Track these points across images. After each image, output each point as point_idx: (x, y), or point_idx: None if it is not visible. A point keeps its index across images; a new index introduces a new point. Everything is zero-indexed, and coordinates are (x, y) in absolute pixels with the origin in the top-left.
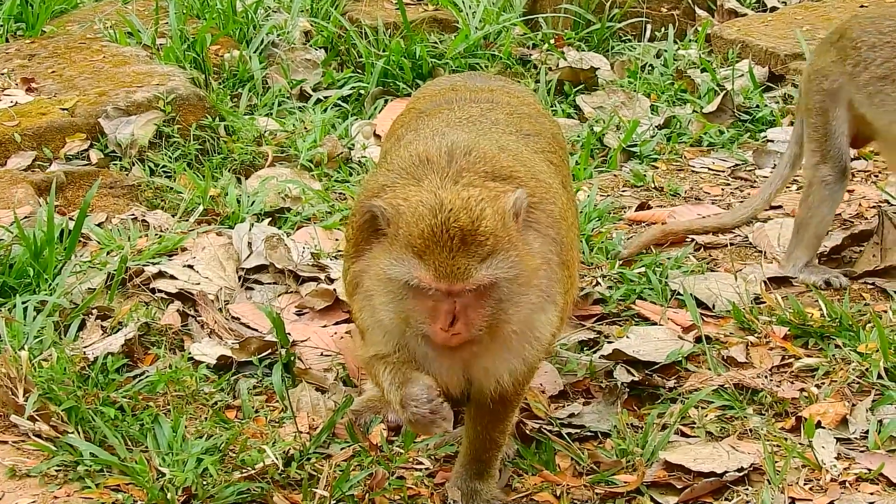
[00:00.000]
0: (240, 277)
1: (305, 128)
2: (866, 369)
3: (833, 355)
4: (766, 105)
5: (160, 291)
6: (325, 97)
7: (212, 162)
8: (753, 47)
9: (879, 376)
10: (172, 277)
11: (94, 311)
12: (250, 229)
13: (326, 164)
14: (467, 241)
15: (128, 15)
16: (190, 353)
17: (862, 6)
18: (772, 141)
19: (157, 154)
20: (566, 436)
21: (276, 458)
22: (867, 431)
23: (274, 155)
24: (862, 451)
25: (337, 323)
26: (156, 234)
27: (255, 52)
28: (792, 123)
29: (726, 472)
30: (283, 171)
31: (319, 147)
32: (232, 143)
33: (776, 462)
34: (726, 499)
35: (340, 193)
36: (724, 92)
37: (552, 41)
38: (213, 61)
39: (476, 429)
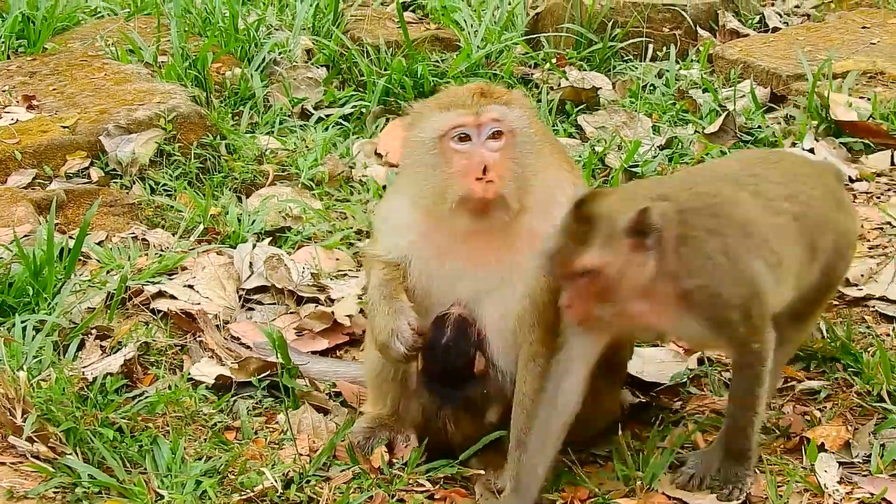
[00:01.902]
0: (240, 297)
1: (307, 146)
2: (869, 392)
3: (835, 378)
4: (767, 126)
5: (160, 311)
6: (327, 115)
7: (212, 180)
8: (755, 68)
9: (881, 399)
10: (172, 297)
11: (94, 331)
12: (252, 249)
13: (327, 183)
14: (486, 93)
15: (129, 32)
16: (189, 374)
17: (864, 27)
18: None
19: (157, 172)
20: (573, 459)
21: (276, 481)
22: (870, 455)
23: (275, 174)
24: (864, 476)
25: (337, 346)
26: (156, 254)
27: (256, 70)
28: (794, 144)
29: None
30: (283, 190)
31: (320, 166)
32: (233, 161)
33: (778, 487)
34: None
35: (341, 213)
36: (726, 113)
37: (554, 60)
38: (214, 79)
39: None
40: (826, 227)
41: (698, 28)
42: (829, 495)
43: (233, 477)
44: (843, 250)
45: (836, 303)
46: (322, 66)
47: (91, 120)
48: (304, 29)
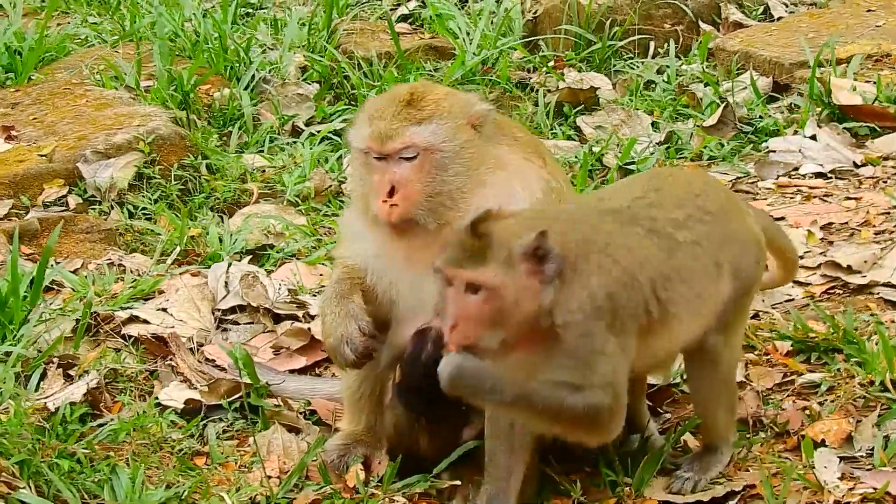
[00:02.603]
0: (216, 318)
1: (295, 162)
2: (871, 382)
3: (837, 369)
4: (769, 115)
5: (131, 337)
6: (318, 131)
7: (193, 201)
8: (756, 57)
9: (885, 389)
10: (145, 322)
11: (56, 360)
12: (228, 268)
13: (314, 199)
14: (412, 102)
15: (114, 58)
16: (157, 398)
17: (869, 10)
18: (774, 151)
19: (136, 196)
20: (554, 465)
21: None
22: (873, 448)
23: (260, 192)
24: (868, 470)
25: (316, 363)
26: (132, 279)
27: (245, 90)
28: (796, 133)
29: (713, 499)
30: (267, 208)
31: (307, 181)
32: (215, 180)
33: (774, 486)
34: None
35: (328, 228)
36: (725, 104)
37: (552, 63)
38: (203, 101)
39: None
40: (726, 241)
41: (700, 22)
42: (829, 492)
43: None
44: (750, 257)
45: (840, 291)
46: (314, 81)
47: (69, 147)
48: (299, 47)
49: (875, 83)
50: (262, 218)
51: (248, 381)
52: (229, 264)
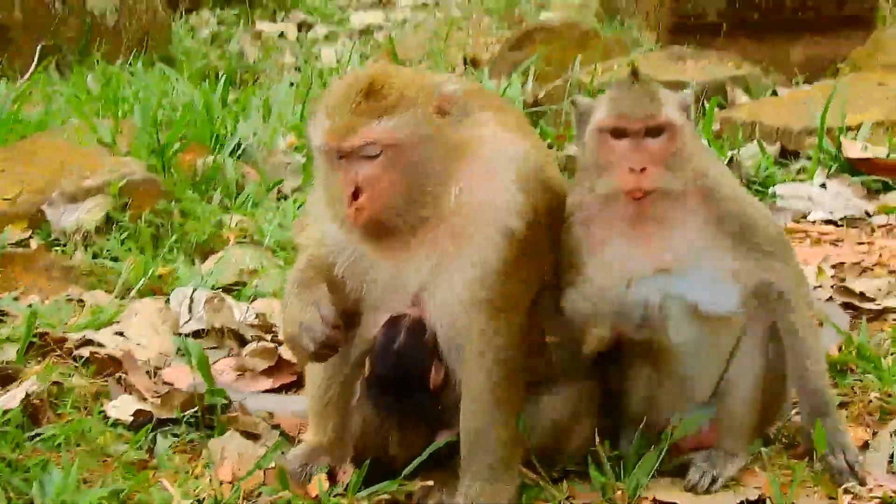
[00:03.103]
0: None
1: (275, 217)
2: (889, 395)
3: (852, 387)
4: (776, 171)
5: (82, 358)
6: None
7: (163, 244)
8: (765, 126)
9: None
10: (99, 345)
11: None
12: (192, 293)
13: (293, 247)
14: (372, 93)
15: (99, 126)
16: (101, 408)
17: (880, 84)
18: (782, 197)
19: (103, 238)
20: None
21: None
22: (892, 455)
23: (237, 240)
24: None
25: (283, 386)
26: (90, 311)
27: (230, 156)
28: (803, 181)
29: None
30: (243, 251)
31: (288, 231)
32: (189, 222)
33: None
34: None
35: None
36: (731, 157)
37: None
38: (185, 169)
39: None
40: None
41: (705, 103)
42: (848, 491)
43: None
44: None
45: (853, 314)
46: (304, 154)
47: (35, 190)
48: (291, 129)
49: (888, 145)
50: (237, 259)
51: (203, 384)
52: (194, 289)
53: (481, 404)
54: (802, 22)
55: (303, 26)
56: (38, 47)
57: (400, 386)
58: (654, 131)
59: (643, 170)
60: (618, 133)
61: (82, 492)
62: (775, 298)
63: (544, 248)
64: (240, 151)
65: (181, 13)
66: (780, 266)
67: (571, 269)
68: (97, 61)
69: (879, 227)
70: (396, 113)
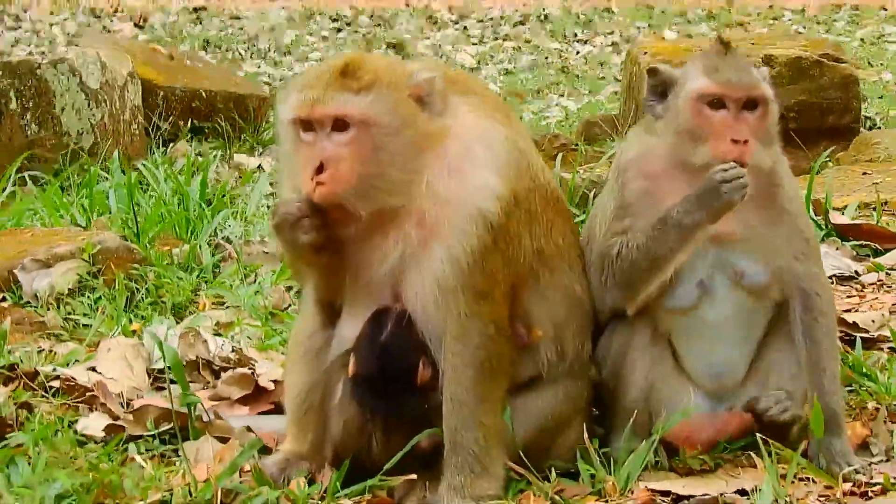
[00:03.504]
0: (151, 377)
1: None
2: (888, 405)
3: (848, 403)
4: None
5: (53, 388)
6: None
7: (138, 306)
8: None
9: None
10: (71, 378)
11: None
12: (167, 330)
13: (273, 318)
14: (347, 72)
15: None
16: (71, 423)
17: (865, 173)
18: None
19: (76, 299)
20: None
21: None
22: (892, 448)
23: (212, 306)
24: (888, 461)
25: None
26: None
27: (206, 244)
28: None
29: (723, 493)
30: (219, 313)
31: (265, 298)
32: (165, 283)
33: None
34: None
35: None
36: None
37: None
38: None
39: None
40: None
41: None
42: (847, 478)
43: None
44: None
45: (846, 341)
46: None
47: (7, 257)
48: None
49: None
50: (212, 318)
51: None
52: (169, 327)
53: (463, 394)
54: (785, 133)
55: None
56: (15, 168)
57: (386, 383)
58: (752, 104)
59: (745, 142)
60: (717, 103)
61: (51, 483)
62: (800, 298)
63: (525, 235)
64: (216, 241)
65: (159, 143)
66: (815, 269)
67: (624, 220)
68: (71, 175)
69: (869, 284)
70: (370, 92)
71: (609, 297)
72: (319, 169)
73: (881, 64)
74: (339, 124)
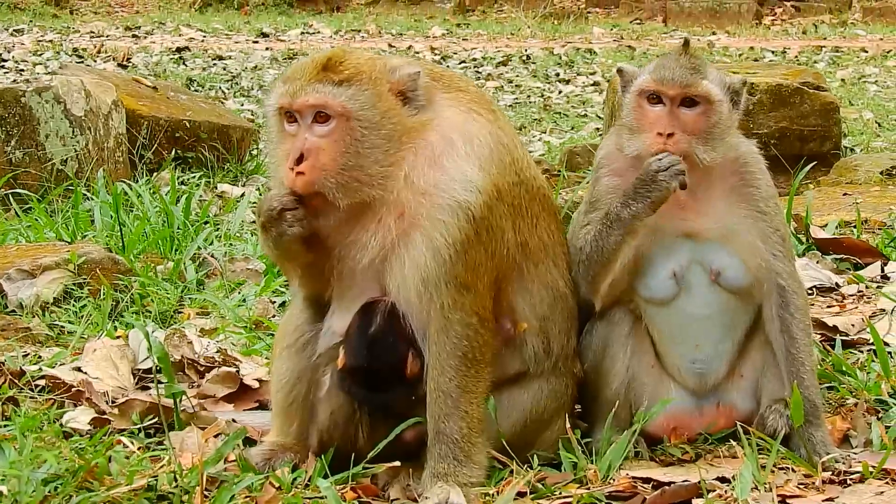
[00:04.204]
0: (136, 378)
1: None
2: (867, 400)
3: (828, 400)
4: None
5: (38, 386)
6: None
7: (123, 317)
8: None
9: (882, 402)
10: (56, 378)
11: None
12: (152, 332)
13: (257, 329)
14: (329, 66)
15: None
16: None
17: (845, 194)
18: None
19: (61, 308)
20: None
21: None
22: (870, 441)
23: (196, 316)
24: (866, 450)
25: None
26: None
27: (190, 261)
28: None
29: (703, 480)
30: (205, 321)
31: (249, 310)
32: (150, 291)
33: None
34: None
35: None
36: None
37: None
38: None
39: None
40: None
41: None
42: (826, 467)
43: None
44: None
45: (826, 342)
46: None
47: None
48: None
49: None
50: (197, 326)
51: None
52: (154, 329)
53: (446, 384)
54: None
55: (263, 191)
56: None
57: (375, 375)
58: (690, 101)
59: (671, 135)
60: (654, 98)
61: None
62: (777, 294)
63: (509, 228)
64: (200, 259)
65: (143, 172)
66: (790, 267)
67: (591, 214)
68: (56, 200)
69: (850, 295)
70: (351, 85)
71: (581, 291)
72: (300, 159)
73: (861, 103)
74: (321, 116)
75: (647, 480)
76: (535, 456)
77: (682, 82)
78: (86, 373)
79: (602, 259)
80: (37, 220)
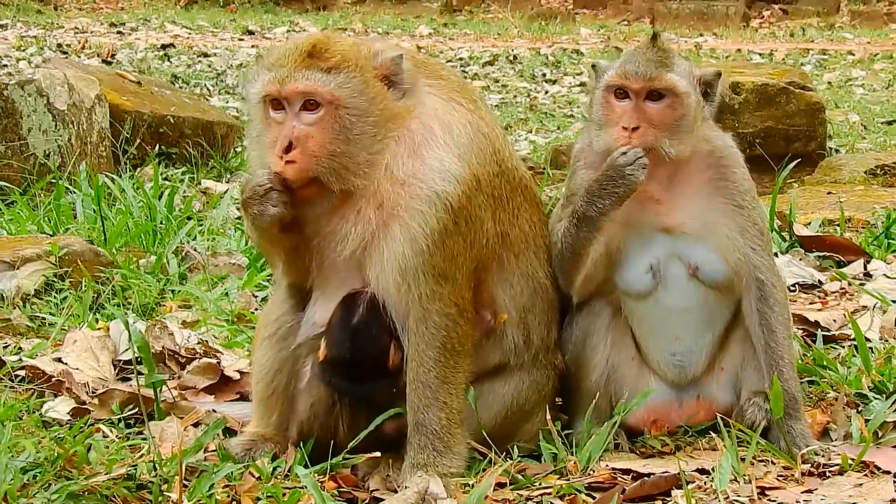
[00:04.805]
0: (116, 370)
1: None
2: (847, 394)
3: (808, 394)
4: None
5: (18, 377)
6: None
7: (105, 309)
8: None
9: (863, 395)
10: (35, 369)
11: None
12: (134, 323)
13: (239, 322)
14: (315, 53)
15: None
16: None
17: (829, 193)
18: None
19: (42, 300)
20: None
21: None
22: (850, 434)
23: (178, 308)
24: (845, 443)
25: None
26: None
27: (173, 255)
28: None
29: (683, 472)
30: (186, 313)
31: (231, 303)
32: (131, 282)
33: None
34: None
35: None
36: None
37: None
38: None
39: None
40: None
41: None
42: (805, 460)
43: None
44: None
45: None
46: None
47: None
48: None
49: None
50: (179, 318)
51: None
52: (136, 320)
53: (425, 374)
54: (749, 159)
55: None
56: None
57: (357, 367)
58: (656, 94)
59: (636, 129)
60: (621, 93)
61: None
62: (756, 288)
63: (489, 219)
64: (183, 253)
65: (126, 167)
66: (769, 260)
67: (567, 207)
68: (38, 194)
69: (832, 292)
70: (339, 73)
71: (559, 283)
72: (288, 148)
73: (847, 106)
74: (310, 104)
75: (626, 472)
76: (515, 447)
77: (647, 76)
78: (66, 363)
79: (573, 255)
80: (19, 213)
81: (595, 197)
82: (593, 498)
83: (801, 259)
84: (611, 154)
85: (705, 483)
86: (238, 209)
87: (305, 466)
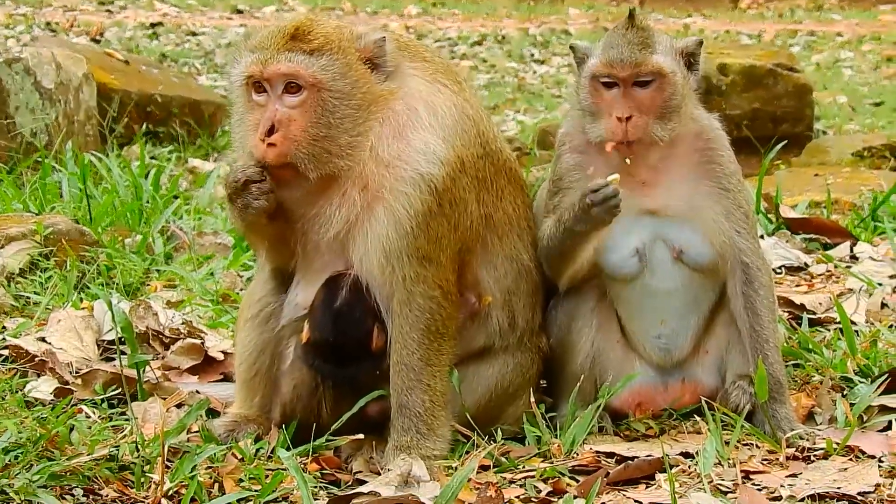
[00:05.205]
0: (100, 349)
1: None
2: (833, 377)
3: (793, 377)
4: None
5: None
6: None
7: (89, 287)
8: None
9: (848, 379)
10: (19, 348)
11: None
12: (118, 303)
13: (224, 302)
14: (298, 35)
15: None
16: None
17: (816, 175)
18: None
19: (27, 280)
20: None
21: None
22: (835, 418)
23: (163, 288)
24: (830, 427)
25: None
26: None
27: (159, 234)
28: None
29: (667, 455)
30: (171, 293)
31: (216, 283)
32: (115, 267)
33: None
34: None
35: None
36: None
37: None
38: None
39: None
40: None
41: None
42: (790, 444)
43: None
44: None
45: (794, 322)
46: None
47: None
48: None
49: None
50: (164, 298)
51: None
52: (119, 300)
53: (408, 357)
54: (736, 141)
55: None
56: None
57: (340, 349)
58: (643, 80)
59: (629, 118)
60: (609, 81)
61: None
62: (741, 271)
63: (473, 201)
64: (169, 233)
65: (113, 146)
66: (754, 244)
67: (555, 196)
68: (25, 172)
69: (818, 275)
70: (322, 55)
71: (545, 271)
72: (270, 131)
73: (835, 87)
74: (292, 87)
75: (610, 455)
76: (499, 430)
77: (633, 62)
78: (50, 343)
79: (561, 256)
80: (5, 192)
81: (578, 220)
82: (577, 481)
83: (787, 241)
84: (606, 143)
85: (689, 467)
86: (223, 201)
87: (288, 448)
